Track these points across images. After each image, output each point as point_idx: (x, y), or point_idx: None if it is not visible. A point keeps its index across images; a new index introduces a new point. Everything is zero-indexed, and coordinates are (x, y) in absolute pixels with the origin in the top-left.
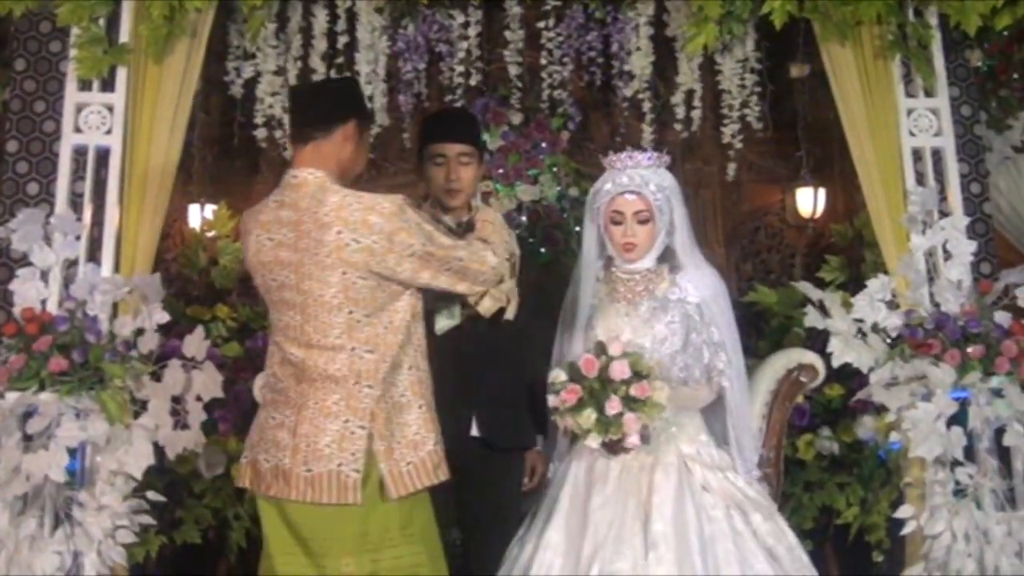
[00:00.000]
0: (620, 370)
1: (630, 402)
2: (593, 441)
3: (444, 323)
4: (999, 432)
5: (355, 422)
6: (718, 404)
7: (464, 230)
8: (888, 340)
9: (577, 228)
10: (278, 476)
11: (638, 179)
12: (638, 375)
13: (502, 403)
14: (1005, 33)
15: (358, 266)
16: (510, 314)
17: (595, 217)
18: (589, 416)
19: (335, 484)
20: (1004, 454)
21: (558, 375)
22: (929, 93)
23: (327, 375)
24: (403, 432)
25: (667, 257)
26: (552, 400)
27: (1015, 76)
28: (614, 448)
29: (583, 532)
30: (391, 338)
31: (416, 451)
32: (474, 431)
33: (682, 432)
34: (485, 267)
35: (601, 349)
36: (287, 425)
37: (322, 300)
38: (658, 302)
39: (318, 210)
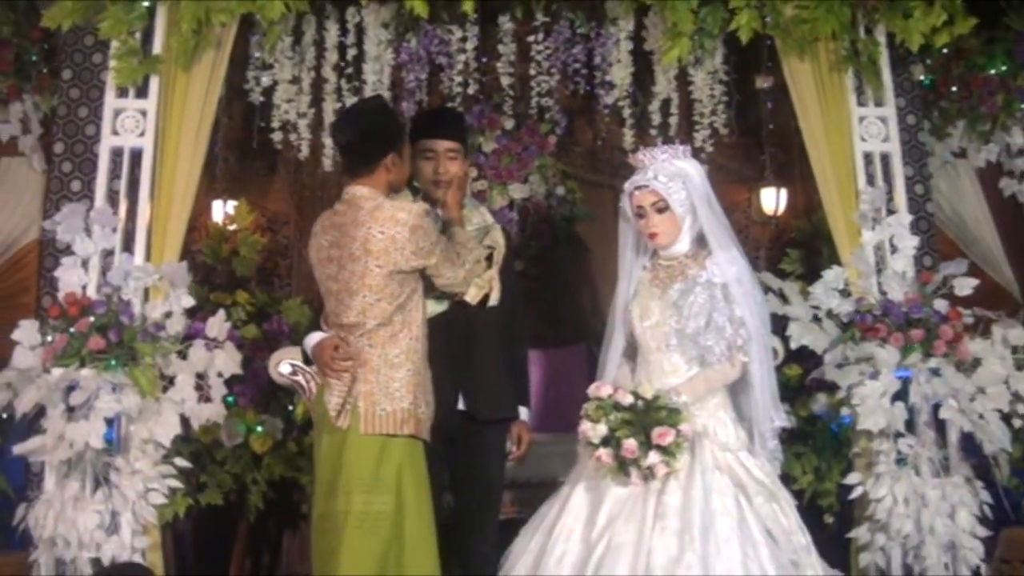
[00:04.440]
0: (629, 450)
1: (624, 462)
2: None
3: (433, 308)
4: (936, 407)
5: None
6: (743, 380)
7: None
8: (840, 325)
9: (563, 222)
10: None
11: (650, 173)
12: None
13: (485, 379)
14: (944, 50)
15: (378, 255)
16: (494, 300)
17: (626, 216)
18: (599, 432)
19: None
20: (940, 427)
21: (603, 395)
22: (878, 103)
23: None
24: (387, 387)
25: (705, 241)
26: (584, 408)
27: (953, 89)
28: None
29: (601, 502)
30: (395, 313)
31: (392, 403)
32: (460, 405)
33: (702, 409)
34: (455, 277)
35: (645, 433)
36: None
37: (347, 286)
38: (686, 284)
39: (357, 215)
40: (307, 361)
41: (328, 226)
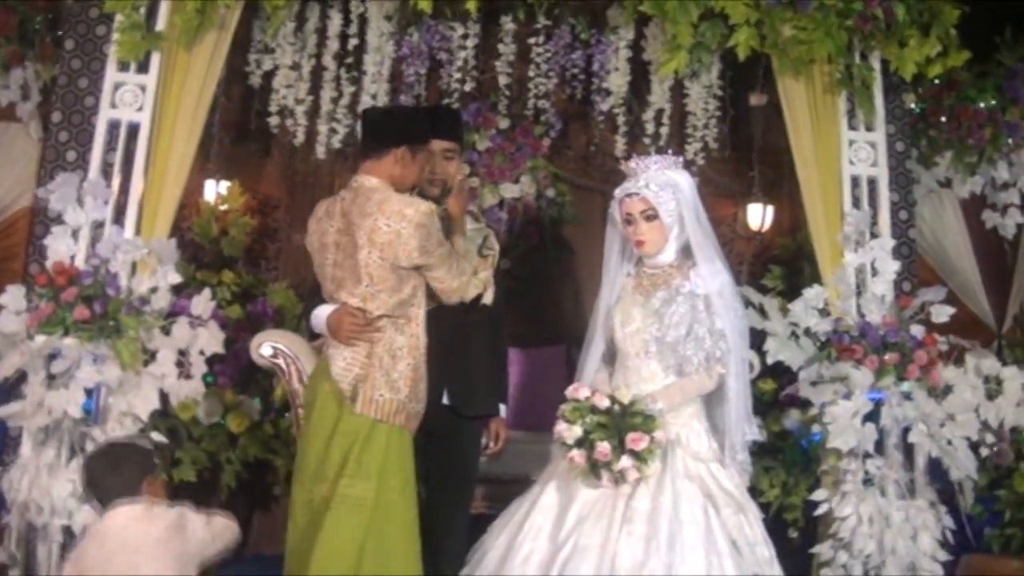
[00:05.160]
0: (603, 453)
1: (596, 464)
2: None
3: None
4: (906, 431)
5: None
6: (719, 392)
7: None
8: (817, 343)
9: (551, 224)
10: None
11: (641, 181)
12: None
13: (472, 376)
14: (936, 81)
15: (382, 247)
16: (488, 299)
17: (614, 222)
18: (574, 434)
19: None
20: (909, 450)
21: (580, 397)
22: (869, 128)
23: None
24: (388, 375)
25: (690, 252)
26: (561, 409)
27: (943, 119)
28: None
29: (571, 502)
30: (399, 307)
31: (391, 392)
32: (445, 400)
33: (676, 418)
34: (450, 284)
35: (619, 437)
36: None
37: (353, 273)
38: (669, 293)
39: (365, 205)
40: (313, 337)
41: (335, 212)
